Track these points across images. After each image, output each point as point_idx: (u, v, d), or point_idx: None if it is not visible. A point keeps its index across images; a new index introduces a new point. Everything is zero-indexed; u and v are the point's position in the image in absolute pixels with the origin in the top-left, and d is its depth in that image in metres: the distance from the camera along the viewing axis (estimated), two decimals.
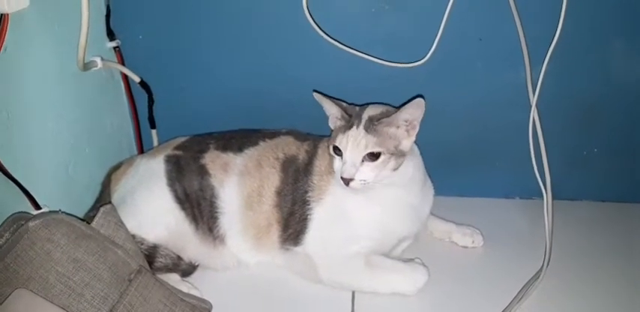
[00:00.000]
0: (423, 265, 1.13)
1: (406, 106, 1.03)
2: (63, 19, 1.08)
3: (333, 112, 1.10)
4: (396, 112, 1.04)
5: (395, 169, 1.06)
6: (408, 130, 1.06)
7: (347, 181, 1.03)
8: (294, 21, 1.20)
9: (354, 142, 1.03)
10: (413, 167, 1.11)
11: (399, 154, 1.05)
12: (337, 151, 1.06)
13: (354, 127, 1.05)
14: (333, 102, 1.08)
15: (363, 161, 1.03)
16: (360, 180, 1.03)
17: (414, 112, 1.04)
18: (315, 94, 1.09)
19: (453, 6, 1.14)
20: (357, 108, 1.10)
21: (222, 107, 1.36)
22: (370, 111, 1.08)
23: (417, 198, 1.14)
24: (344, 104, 1.10)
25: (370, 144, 1.03)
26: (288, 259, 1.14)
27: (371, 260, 1.10)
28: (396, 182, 1.08)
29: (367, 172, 1.03)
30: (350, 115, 1.07)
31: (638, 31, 1.22)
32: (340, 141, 1.05)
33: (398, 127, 1.05)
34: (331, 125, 1.11)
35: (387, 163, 1.04)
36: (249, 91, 1.33)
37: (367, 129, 1.04)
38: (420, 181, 1.14)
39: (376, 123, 1.04)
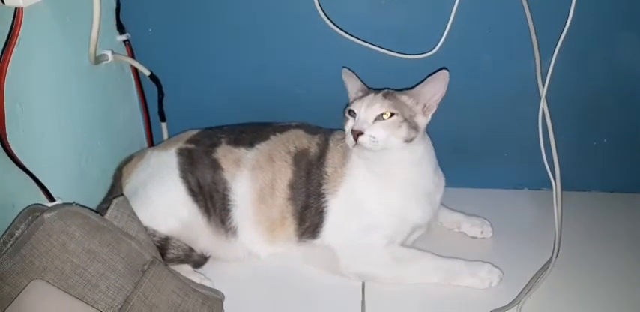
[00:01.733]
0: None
1: (430, 78, 1.08)
2: (74, 12, 1.08)
3: (357, 85, 1.15)
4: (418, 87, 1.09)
5: (406, 141, 1.07)
6: (424, 111, 1.09)
7: (357, 134, 1.03)
8: (304, 14, 1.21)
9: (370, 104, 1.06)
10: (423, 149, 1.12)
11: (413, 125, 1.07)
12: (352, 113, 1.08)
13: (372, 93, 1.09)
14: (357, 79, 1.14)
15: (375, 120, 1.05)
16: (370, 136, 1.04)
17: (436, 85, 1.07)
18: (344, 69, 1.14)
19: None
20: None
21: (231, 100, 1.36)
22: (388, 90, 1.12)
23: (429, 184, 1.15)
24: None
25: (385, 105, 1.06)
26: (306, 251, 1.15)
27: (396, 253, 1.12)
28: (406, 159, 1.10)
29: (378, 128, 1.05)
30: (370, 88, 1.13)
31: None
32: (356, 104, 1.08)
33: (417, 102, 1.09)
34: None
35: (399, 127, 1.05)
36: (258, 84, 1.34)
37: (385, 95, 1.08)
38: (430, 166, 1.15)
39: (396, 92, 1.10)
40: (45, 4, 0.93)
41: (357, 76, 1.15)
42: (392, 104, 1.06)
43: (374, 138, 1.04)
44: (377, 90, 1.13)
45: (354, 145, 1.05)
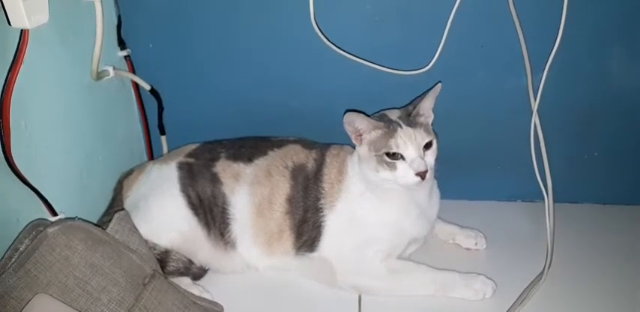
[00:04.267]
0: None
1: (428, 94, 1.10)
2: (77, 30, 1.11)
3: (362, 126, 1.09)
4: (419, 102, 1.10)
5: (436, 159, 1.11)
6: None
7: (424, 175, 1.05)
8: (301, 30, 1.23)
9: (411, 139, 1.06)
10: None
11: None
12: (391, 156, 1.06)
13: (399, 128, 1.08)
14: (366, 117, 1.10)
15: (424, 153, 1.07)
16: (430, 168, 1.07)
17: (433, 98, 1.11)
18: (350, 114, 1.08)
19: (455, 14, 1.17)
20: (377, 117, 1.13)
21: (230, 114, 1.38)
22: (393, 114, 1.12)
23: (425, 198, 1.17)
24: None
25: (423, 135, 1.07)
26: (304, 264, 1.17)
27: (392, 266, 1.13)
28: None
29: (430, 158, 1.08)
30: (383, 122, 1.10)
31: (637, 38, 1.25)
32: (397, 144, 1.06)
33: (426, 118, 1.12)
34: (356, 142, 1.12)
35: (437, 148, 1.10)
36: (257, 99, 1.36)
37: (410, 125, 1.09)
38: (428, 181, 1.16)
39: (411, 118, 1.10)
40: (50, 23, 0.94)
41: (364, 113, 1.11)
42: (425, 132, 1.08)
43: (431, 168, 1.07)
44: (377, 116, 1.14)
45: (419, 182, 1.05)
